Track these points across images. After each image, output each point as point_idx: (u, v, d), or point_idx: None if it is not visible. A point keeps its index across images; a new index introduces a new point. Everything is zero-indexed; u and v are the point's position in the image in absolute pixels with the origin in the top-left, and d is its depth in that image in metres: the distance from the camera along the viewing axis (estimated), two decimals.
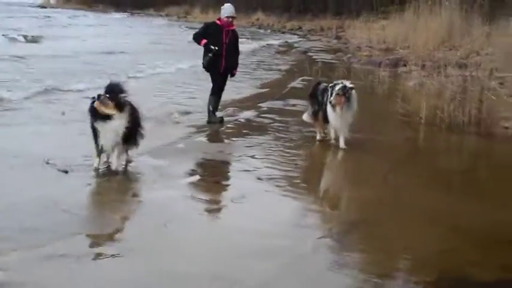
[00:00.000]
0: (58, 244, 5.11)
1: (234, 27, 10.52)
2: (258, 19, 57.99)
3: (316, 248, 5.38)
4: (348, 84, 8.90)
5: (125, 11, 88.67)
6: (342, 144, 8.99)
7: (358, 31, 31.46)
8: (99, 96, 7.05)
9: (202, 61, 10.50)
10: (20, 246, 5.02)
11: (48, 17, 58.81)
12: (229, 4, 10.55)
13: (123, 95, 7.29)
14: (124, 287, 4.57)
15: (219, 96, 10.81)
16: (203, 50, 10.46)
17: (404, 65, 19.39)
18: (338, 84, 8.89)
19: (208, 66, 10.43)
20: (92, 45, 26.08)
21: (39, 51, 22.42)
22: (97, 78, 14.42)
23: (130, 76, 16.23)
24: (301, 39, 38.64)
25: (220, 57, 10.26)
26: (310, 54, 27.21)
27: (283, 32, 46.62)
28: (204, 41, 10.29)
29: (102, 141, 7.19)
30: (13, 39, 26.80)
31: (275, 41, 36.78)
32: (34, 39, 28.11)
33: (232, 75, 10.81)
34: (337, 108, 8.76)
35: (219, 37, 10.21)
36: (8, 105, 11.31)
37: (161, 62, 20.15)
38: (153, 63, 19.60)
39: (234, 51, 10.53)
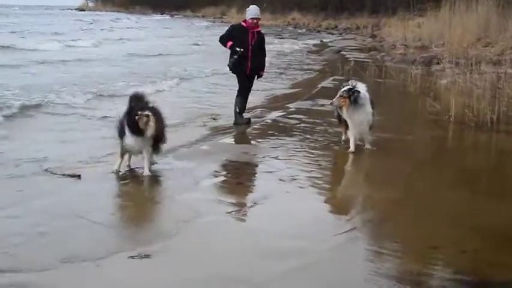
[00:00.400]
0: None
1: (259, 29, 10.54)
2: (294, 18, 58.19)
3: (337, 248, 5.37)
4: (358, 86, 8.79)
5: (163, 13, 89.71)
6: (367, 145, 8.99)
7: (393, 29, 31.33)
8: (142, 113, 7.18)
9: (228, 63, 10.56)
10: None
11: (95, 21, 60.35)
12: (254, 6, 10.62)
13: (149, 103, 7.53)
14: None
15: (246, 98, 10.85)
16: (229, 52, 10.53)
17: (438, 63, 19.14)
18: (346, 86, 8.84)
19: (234, 67, 10.49)
20: (142, 48, 27.05)
21: (96, 55, 23.17)
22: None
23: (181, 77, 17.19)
24: (336, 38, 38.53)
25: (246, 58, 10.30)
26: (343, 53, 27.15)
27: (318, 31, 46.65)
28: (229, 43, 10.35)
29: (131, 147, 7.41)
30: (69, 46, 27.37)
31: (309, 40, 36.82)
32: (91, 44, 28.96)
33: (259, 76, 10.84)
34: (344, 110, 8.70)
35: (245, 39, 10.26)
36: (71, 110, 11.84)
37: (203, 63, 20.50)
38: (196, 64, 20.05)
39: (260, 52, 10.55)
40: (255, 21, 10.38)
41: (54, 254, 5.03)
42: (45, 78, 16.37)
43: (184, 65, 20.50)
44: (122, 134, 7.43)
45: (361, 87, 8.81)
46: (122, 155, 7.58)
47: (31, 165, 7.74)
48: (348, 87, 8.73)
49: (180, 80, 17.07)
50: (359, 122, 8.76)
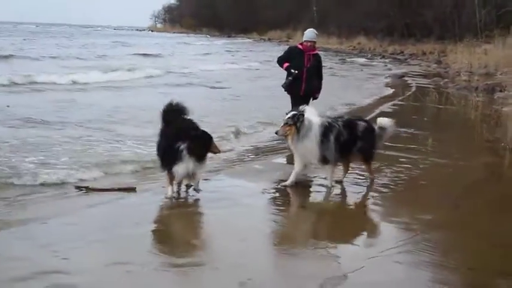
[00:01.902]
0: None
1: (315, 52, 10.62)
2: (359, 43, 58.00)
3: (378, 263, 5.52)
4: (307, 111, 7.91)
5: (229, 35, 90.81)
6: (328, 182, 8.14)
7: (459, 56, 30.88)
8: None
9: (282, 84, 10.69)
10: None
11: (184, 43, 63.05)
12: (311, 29, 10.72)
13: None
14: None
15: None
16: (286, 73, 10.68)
17: (501, 91, 18.87)
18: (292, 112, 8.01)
19: (288, 88, 10.58)
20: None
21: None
22: None
23: None
24: (401, 63, 38.31)
25: (301, 80, 10.39)
26: (406, 78, 27.01)
27: (383, 56, 46.39)
28: (286, 64, 10.45)
29: (188, 171, 7.11)
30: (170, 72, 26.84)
31: (374, 64, 36.79)
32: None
33: (315, 98, 10.82)
34: (289, 140, 7.88)
35: (300, 61, 10.35)
36: None
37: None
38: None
39: (316, 75, 10.61)
40: (310, 44, 10.44)
41: (104, 259, 5.36)
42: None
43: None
44: (172, 160, 7.06)
45: (311, 114, 7.97)
46: (173, 181, 7.28)
47: None
48: (293, 112, 7.92)
49: None
50: (301, 154, 8.00)
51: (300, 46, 10.54)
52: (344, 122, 8.18)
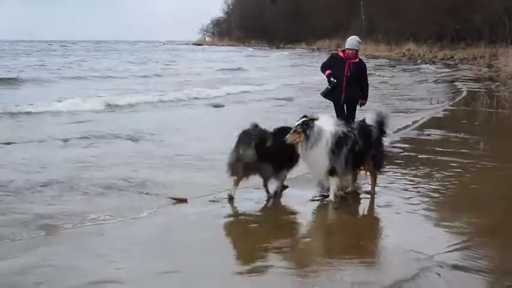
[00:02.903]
0: None
1: (357, 60, 10.40)
2: (409, 50, 57.38)
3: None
4: (320, 119, 7.48)
5: (278, 46, 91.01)
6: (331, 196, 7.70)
7: (511, 59, 30.30)
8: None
9: (321, 92, 10.59)
10: None
11: (248, 56, 64.21)
12: (353, 36, 10.57)
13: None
14: None
15: None
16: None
17: None
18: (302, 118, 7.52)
19: (325, 96, 10.50)
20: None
21: None
22: None
23: None
24: (451, 68, 37.73)
25: (340, 88, 10.27)
26: (457, 83, 26.58)
27: (433, 62, 45.73)
28: (328, 71, 10.34)
29: None
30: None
31: (424, 70, 36.41)
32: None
33: (362, 104, 10.67)
34: (298, 148, 7.43)
35: (341, 69, 10.22)
36: None
37: None
38: None
39: (359, 82, 10.44)
40: (352, 51, 10.26)
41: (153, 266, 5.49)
42: None
43: None
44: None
45: (326, 122, 7.54)
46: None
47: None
48: (303, 119, 7.42)
49: None
50: (310, 163, 7.63)
51: (342, 54, 10.39)
52: (360, 129, 7.81)
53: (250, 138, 7.56)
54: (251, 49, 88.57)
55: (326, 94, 10.46)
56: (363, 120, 8.13)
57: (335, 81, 10.20)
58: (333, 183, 7.60)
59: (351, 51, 10.23)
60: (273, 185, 8.02)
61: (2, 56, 55.34)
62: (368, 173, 8.23)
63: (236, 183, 7.66)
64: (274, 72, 36.92)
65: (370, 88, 10.88)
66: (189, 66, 42.12)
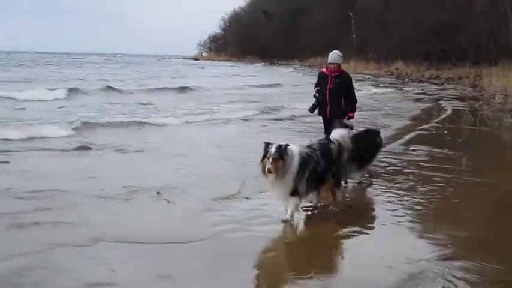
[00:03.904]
0: None
1: (338, 73, 10.40)
2: (397, 68, 57.63)
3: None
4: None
5: (272, 62, 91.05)
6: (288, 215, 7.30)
7: (494, 79, 30.57)
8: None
9: (308, 108, 10.74)
10: None
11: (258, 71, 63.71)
12: (334, 51, 10.60)
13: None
14: None
15: None
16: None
17: None
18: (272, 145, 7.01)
19: (312, 111, 10.63)
20: None
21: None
22: None
23: None
24: (437, 87, 38.01)
25: (325, 103, 10.37)
26: (442, 101, 26.78)
27: (421, 81, 45.98)
28: (316, 89, 10.50)
29: None
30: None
31: (410, 88, 36.69)
32: None
33: (349, 118, 10.60)
34: (270, 178, 6.94)
35: (324, 84, 10.33)
36: None
37: None
38: None
39: (340, 95, 10.38)
40: (334, 65, 10.33)
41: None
42: None
43: None
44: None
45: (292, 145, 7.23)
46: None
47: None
48: (276, 145, 6.96)
49: None
50: (279, 187, 7.14)
51: (325, 70, 10.49)
52: (321, 148, 7.62)
53: None
54: (259, 64, 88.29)
55: (312, 109, 10.61)
56: (326, 138, 8.27)
57: (317, 95, 10.37)
58: (293, 203, 7.22)
59: (332, 65, 10.34)
60: None
61: (63, 66, 54.96)
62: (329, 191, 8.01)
63: None
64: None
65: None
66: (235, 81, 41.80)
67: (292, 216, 7.27)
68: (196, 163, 10.80)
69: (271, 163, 6.77)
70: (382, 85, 40.89)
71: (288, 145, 7.03)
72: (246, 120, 18.81)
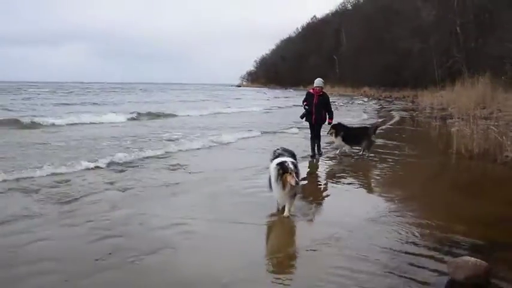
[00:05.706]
0: None
1: (321, 93, 9.91)
2: (364, 91, 56.81)
3: (370, 222, 5.52)
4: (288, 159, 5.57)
5: (286, 88, 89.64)
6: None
7: (425, 98, 30.07)
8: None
9: (300, 115, 10.20)
10: None
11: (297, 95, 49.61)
12: (319, 78, 10.13)
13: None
14: None
15: (314, 140, 10.23)
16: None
17: (451, 118, 18.29)
18: (282, 160, 5.51)
19: (302, 118, 10.14)
20: None
21: None
22: None
23: None
24: (389, 103, 37.36)
25: (311, 113, 9.93)
26: (393, 112, 26.23)
27: (379, 99, 45.22)
28: (304, 103, 10.00)
29: None
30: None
31: (372, 103, 36.07)
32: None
33: (329, 123, 10.15)
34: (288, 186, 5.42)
35: (311, 100, 9.87)
36: None
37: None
38: None
39: (323, 108, 9.96)
40: (319, 88, 9.89)
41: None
42: None
43: None
44: None
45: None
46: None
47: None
48: (289, 161, 5.49)
49: None
50: (287, 193, 5.55)
51: (311, 91, 10.02)
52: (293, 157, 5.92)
53: None
54: (278, 90, 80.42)
55: (303, 117, 10.12)
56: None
57: (307, 107, 9.97)
58: (292, 203, 5.72)
59: (318, 88, 9.91)
60: None
61: (146, 92, 49.16)
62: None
63: None
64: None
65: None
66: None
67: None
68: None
69: (291, 177, 5.32)
70: (356, 103, 40.35)
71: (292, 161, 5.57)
72: None
